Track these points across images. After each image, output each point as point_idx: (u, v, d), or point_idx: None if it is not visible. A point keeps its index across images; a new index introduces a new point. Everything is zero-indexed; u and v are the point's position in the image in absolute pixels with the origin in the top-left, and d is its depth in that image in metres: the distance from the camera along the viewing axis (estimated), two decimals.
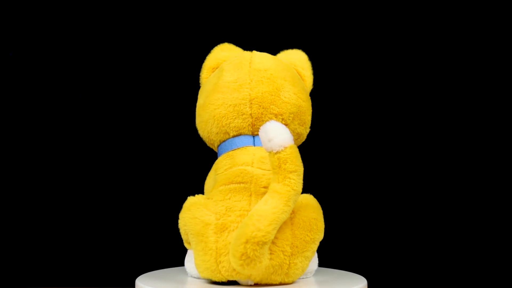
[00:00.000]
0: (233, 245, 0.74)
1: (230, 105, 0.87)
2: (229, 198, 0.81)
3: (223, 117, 0.88)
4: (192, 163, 1.09)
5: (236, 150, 0.87)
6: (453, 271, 1.16)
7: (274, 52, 0.95)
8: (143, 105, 1.16)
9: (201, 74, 0.95)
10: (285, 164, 0.75)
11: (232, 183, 0.83)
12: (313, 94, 1.18)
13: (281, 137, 0.75)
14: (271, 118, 0.87)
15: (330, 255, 0.99)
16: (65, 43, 1.16)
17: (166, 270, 0.94)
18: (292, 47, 0.96)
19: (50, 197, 1.16)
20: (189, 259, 0.86)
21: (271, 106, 0.87)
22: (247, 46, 0.96)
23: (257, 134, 0.87)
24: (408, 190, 1.16)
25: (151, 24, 1.17)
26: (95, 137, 1.17)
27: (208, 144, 0.93)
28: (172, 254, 0.99)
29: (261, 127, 0.77)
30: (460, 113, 1.17)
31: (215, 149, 0.93)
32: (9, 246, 1.15)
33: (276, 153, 0.75)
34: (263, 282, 0.79)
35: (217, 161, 0.89)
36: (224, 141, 0.89)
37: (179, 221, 0.84)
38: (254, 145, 0.87)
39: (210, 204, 0.82)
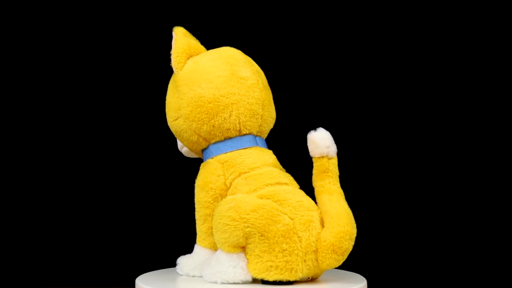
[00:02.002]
0: (335, 243, 0.80)
1: (247, 103, 0.87)
2: (290, 199, 0.81)
3: (241, 114, 0.86)
4: (192, 163, 1.09)
5: (249, 149, 0.87)
6: (453, 271, 1.16)
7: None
8: (143, 105, 1.16)
9: (176, 58, 0.89)
10: (336, 168, 0.85)
11: (278, 184, 0.84)
12: (311, 94, 1.18)
13: (334, 145, 0.84)
14: (271, 122, 0.91)
15: None
16: (65, 43, 1.17)
17: (166, 270, 0.94)
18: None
19: (50, 197, 1.16)
20: (234, 264, 0.80)
21: (271, 110, 0.90)
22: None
23: (259, 135, 0.89)
24: (408, 191, 1.17)
25: (151, 25, 1.17)
26: (95, 137, 1.17)
27: (192, 137, 0.87)
28: (172, 254, 0.99)
29: (316, 134, 0.83)
30: (459, 114, 1.17)
31: (202, 144, 0.88)
32: (10, 246, 1.15)
33: (331, 158, 0.84)
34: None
35: (225, 158, 0.86)
36: (230, 138, 0.87)
37: (235, 223, 0.79)
38: (259, 146, 0.88)
39: (274, 204, 0.81)
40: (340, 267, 0.96)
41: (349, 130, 1.17)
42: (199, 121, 0.86)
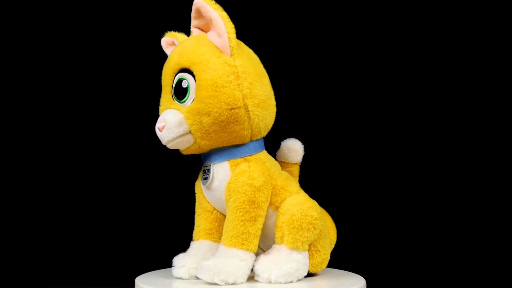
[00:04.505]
0: (335, 235, 0.92)
1: None
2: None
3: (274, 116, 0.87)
4: (191, 163, 1.09)
5: (264, 151, 0.87)
6: (452, 271, 1.16)
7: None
8: (143, 105, 1.16)
9: (235, 40, 0.80)
10: None
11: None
12: (308, 93, 1.18)
13: None
14: None
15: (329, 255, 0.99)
16: (65, 43, 1.17)
17: (166, 270, 0.94)
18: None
19: (50, 197, 1.16)
20: (306, 262, 0.83)
21: None
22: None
23: None
24: (407, 190, 1.17)
25: (152, 24, 1.17)
26: (96, 137, 1.17)
27: (244, 131, 0.81)
28: (172, 254, 0.99)
29: (297, 142, 0.92)
30: (459, 113, 1.17)
31: (245, 140, 0.82)
32: (9, 246, 1.15)
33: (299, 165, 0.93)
34: None
35: (263, 157, 0.84)
36: (262, 137, 0.86)
37: (317, 222, 0.82)
38: None
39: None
40: (339, 267, 0.97)
41: (349, 130, 1.18)
42: (260, 116, 0.82)
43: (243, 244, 0.79)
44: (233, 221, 0.80)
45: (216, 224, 0.87)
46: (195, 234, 0.88)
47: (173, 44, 0.91)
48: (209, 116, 0.79)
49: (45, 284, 1.15)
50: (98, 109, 1.17)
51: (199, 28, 0.85)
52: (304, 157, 0.94)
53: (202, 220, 0.88)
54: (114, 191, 1.17)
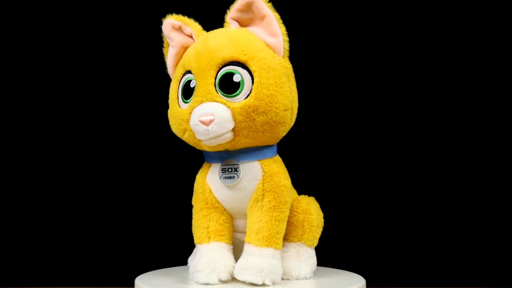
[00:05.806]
0: None
1: None
2: None
3: None
4: (191, 163, 1.09)
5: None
6: (451, 270, 1.16)
7: None
8: (143, 105, 1.16)
9: (287, 37, 0.80)
10: None
11: None
12: (308, 94, 1.18)
13: None
14: None
15: (329, 255, 0.99)
16: (66, 43, 1.17)
17: (166, 269, 0.94)
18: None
19: (50, 197, 1.16)
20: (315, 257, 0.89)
21: None
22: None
23: None
24: (406, 190, 1.16)
25: (152, 24, 1.17)
26: (96, 137, 1.17)
27: (283, 132, 0.81)
28: (172, 253, 1.00)
29: None
30: (460, 111, 1.17)
31: (276, 141, 0.82)
32: (9, 246, 1.15)
33: None
34: None
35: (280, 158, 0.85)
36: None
37: (323, 220, 0.89)
38: None
39: None
40: (338, 267, 0.97)
41: (350, 129, 1.18)
42: (294, 120, 0.83)
43: (277, 243, 0.80)
44: (269, 221, 0.79)
45: (227, 225, 0.84)
46: (202, 236, 0.83)
47: (180, 29, 0.85)
48: (265, 115, 0.76)
49: (45, 284, 1.15)
50: (97, 109, 1.17)
51: (237, 21, 0.82)
52: (303, 157, 0.94)
53: (211, 221, 0.83)
54: (114, 191, 1.17)
